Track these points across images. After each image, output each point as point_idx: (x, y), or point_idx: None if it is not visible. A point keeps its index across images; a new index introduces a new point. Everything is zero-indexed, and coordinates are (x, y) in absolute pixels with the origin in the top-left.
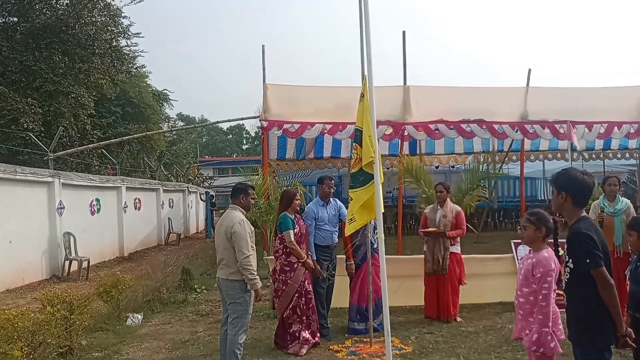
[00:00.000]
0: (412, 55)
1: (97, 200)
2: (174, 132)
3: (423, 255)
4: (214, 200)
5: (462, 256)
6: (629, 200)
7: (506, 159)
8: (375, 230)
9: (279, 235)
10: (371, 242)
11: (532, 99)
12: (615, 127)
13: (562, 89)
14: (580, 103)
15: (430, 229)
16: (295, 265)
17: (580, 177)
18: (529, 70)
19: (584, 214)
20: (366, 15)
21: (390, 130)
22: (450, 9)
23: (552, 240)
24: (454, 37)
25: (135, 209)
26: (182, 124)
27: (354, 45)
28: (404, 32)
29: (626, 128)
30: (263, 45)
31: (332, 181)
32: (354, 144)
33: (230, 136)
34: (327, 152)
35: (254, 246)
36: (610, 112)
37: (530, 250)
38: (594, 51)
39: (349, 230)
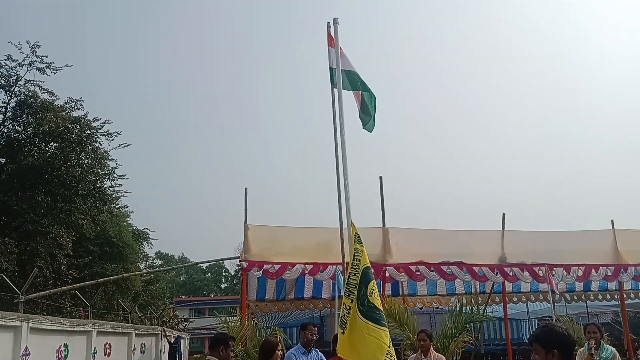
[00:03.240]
0: (390, 195)
1: (66, 345)
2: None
3: None
4: (175, 344)
5: None
6: (614, 349)
7: (489, 300)
8: None
9: None
10: None
11: (508, 242)
12: (593, 270)
13: (537, 233)
14: (556, 245)
15: None
16: None
17: (562, 331)
18: (504, 215)
19: None
20: (345, 172)
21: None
22: (424, 152)
23: None
24: (430, 178)
25: (105, 354)
26: (160, 262)
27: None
28: (380, 178)
29: (603, 270)
30: (246, 188)
31: (316, 328)
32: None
33: (209, 275)
34: (308, 293)
35: None
36: (586, 254)
37: None
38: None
39: None
